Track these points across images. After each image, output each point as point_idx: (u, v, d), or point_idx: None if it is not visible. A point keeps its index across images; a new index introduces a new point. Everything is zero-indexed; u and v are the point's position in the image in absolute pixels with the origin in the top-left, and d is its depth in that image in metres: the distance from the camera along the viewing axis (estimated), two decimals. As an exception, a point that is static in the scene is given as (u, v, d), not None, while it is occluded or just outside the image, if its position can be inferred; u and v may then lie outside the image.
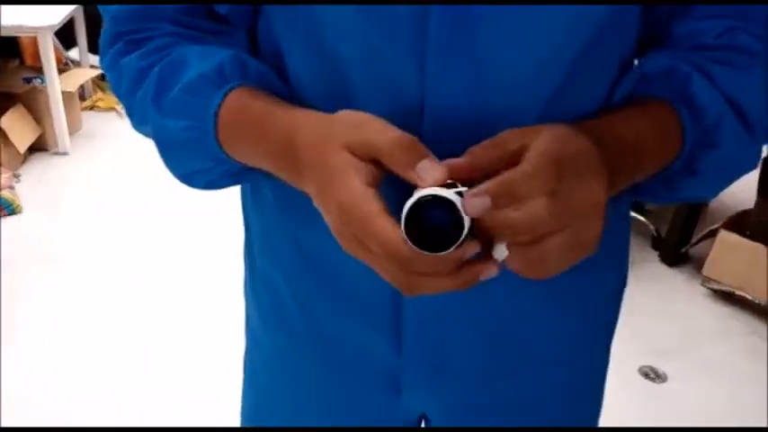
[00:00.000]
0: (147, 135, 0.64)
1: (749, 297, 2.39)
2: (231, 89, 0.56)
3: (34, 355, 2.10)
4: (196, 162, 0.60)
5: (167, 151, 0.61)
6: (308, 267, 0.68)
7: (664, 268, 2.68)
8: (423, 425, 0.84)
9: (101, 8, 0.63)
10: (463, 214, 0.44)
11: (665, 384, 2.11)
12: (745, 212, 2.53)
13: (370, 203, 0.45)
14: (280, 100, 0.57)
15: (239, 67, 0.57)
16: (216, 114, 0.56)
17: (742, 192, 2.93)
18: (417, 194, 0.45)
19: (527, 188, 0.44)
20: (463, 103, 0.54)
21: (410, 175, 0.45)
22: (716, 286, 2.48)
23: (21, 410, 1.89)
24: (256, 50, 0.64)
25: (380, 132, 0.47)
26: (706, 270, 2.48)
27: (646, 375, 2.12)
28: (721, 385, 2.11)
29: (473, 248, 0.45)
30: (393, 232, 0.44)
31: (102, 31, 0.63)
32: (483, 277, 0.47)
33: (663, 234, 2.75)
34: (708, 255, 2.48)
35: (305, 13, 0.55)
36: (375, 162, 0.47)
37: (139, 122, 0.63)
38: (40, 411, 1.90)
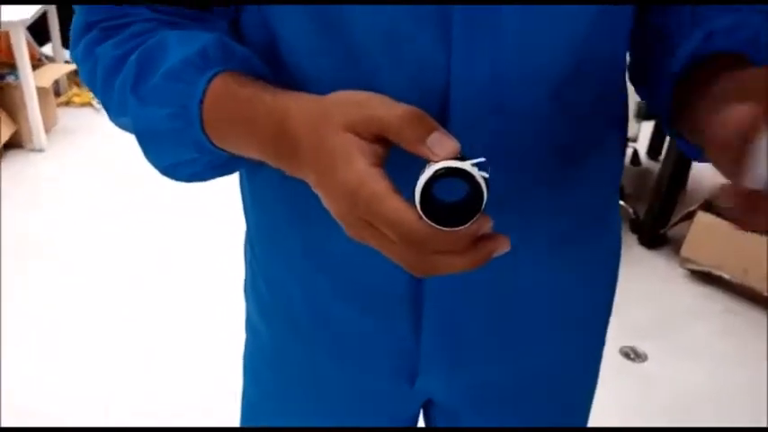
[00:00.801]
0: (124, 128, 0.61)
1: (726, 276, 2.42)
2: (216, 74, 0.53)
3: (10, 353, 2.08)
4: (179, 153, 0.57)
5: (148, 143, 0.58)
6: (315, 259, 0.66)
7: (643, 250, 2.71)
8: (422, 415, 0.84)
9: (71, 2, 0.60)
10: (483, 186, 0.42)
11: (644, 364, 2.14)
12: (722, 193, 2.56)
13: (378, 183, 0.43)
14: (267, 84, 0.54)
15: (223, 50, 0.54)
16: (201, 102, 0.53)
17: (718, 174, 2.97)
18: (431, 168, 0.43)
19: None
20: (488, 82, 0.53)
21: (421, 150, 0.43)
22: (694, 267, 2.51)
23: (8, 410, 1.88)
24: (240, 40, 0.60)
25: (386, 108, 0.45)
26: (684, 251, 2.51)
27: (626, 355, 2.15)
28: (700, 364, 2.15)
29: (488, 222, 0.43)
30: (406, 211, 0.42)
31: (73, 20, 0.60)
32: (497, 253, 0.45)
33: (641, 216, 2.78)
34: (686, 236, 2.51)
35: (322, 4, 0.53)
36: (380, 140, 0.45)
37: (117, 114, 0.60)
38: (21, 411, 1.88)
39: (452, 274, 0.46)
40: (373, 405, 0.75)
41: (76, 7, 0.60)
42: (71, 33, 0.61)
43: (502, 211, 0.59)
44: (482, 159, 0.43)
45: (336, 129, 0.45)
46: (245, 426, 0.88)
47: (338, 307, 0.67)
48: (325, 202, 0.48)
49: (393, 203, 0.43)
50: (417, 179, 0.43)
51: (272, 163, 0.53)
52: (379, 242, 0.45)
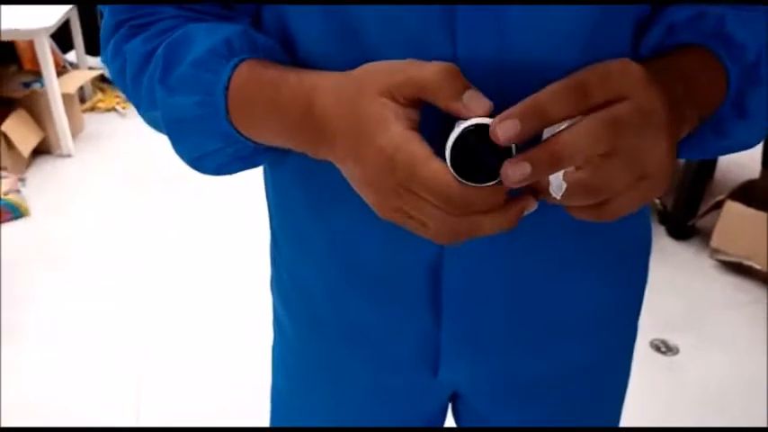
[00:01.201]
0: (154, 122, 0.63)
1: (757, 267, 2.39)
2: (240, 61, 0.54)
3: (39, 357, 2.11)
4: (206, 142, 0.59)
5: (177, 132, 0.59)
6: (336, 252, 0.66)
7: (672, 242, 2.68)
8: (451, 410, 0.84)
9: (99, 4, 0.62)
10: (513, 147, 0.43)
11: (676, 357, 2.12)
12: (751, 182, 2.53)
13: (416, 146, 0.44)
14: (291, 67, 0.55)
15: (247, 40, 0.56)
16: (226, 88, 0.54)
17: (746, 162, 2.93)
18: (461, 126, 0.43)
19: (555, 110, 0.43)
20: (494, 77, 0.53)
21: (456, 106, 0.44)
22: (724, 257, 2.48)
23: (21, 411, 1.91)
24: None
25: (421, 67, 0.45)
26: (713, 242, 2.48)
27: (657, 349, 2.13)
28: (731, 355, 2.12)
29: (524, 168, 0.42)
30: (446, 174, 0.43)
31: (101, 23, 0.62)
32: (527, 211, 0.46)
33: (669, 208, 2.75)
34: (715, 226, 2.48)
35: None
36: (413, 104, 0.46)
37: (147, 109, 0.61)
38: (42, 412, 1.91)
39: (486, 234, 0.46)
40: (398, 397, 0.75)
41: (105, 9, 0.61)
42: (101, 35, 0.63)
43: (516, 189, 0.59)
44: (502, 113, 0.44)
45: (371, 95, 0.46)
46: (274, 418, 0.89)
47: (358, 299, 0.68)
48: (357, 177, 0.48)
49: (433, 166, 0.43)
50: (446, 141, 0.44)
51: (296, 145, 0.53)
52: (416, 208, 0.46)
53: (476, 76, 0.53)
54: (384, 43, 0.53)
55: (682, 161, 2.84)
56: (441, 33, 0.52)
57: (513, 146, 0.43)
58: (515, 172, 0.42)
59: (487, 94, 0.53)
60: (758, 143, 0.62)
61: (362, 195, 0.50)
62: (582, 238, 0.65)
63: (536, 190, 0.46)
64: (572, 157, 0.42)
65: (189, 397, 1.98)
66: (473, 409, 0.79)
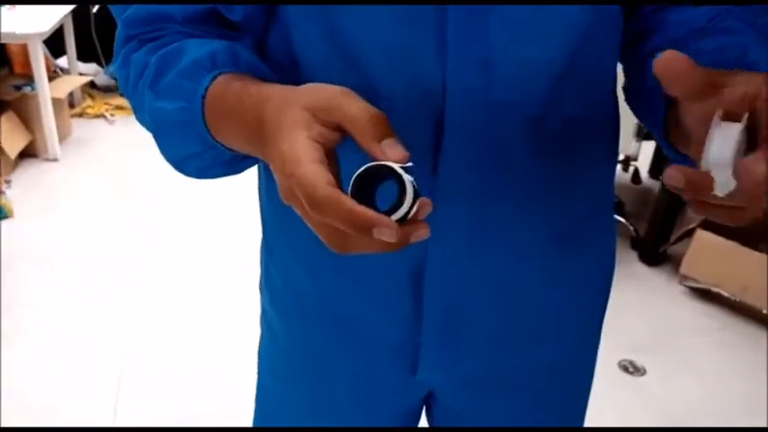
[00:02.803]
0: (146, 125, 0.67)
1: (725, 294, 2.47)
2: (220, 74, 0.58)
3: (23, 356, 2.14)
4: (188, 146, 0.62)
5: (161, 134, 0.63)
6: (327, 253, 0.68)
7: (643, 267, 2.75)
8: (425, 411, 0.89)
9: (114, 13, 0.67)
10: (408, 190, 0.45)
11: (643, 377, 2.18)
12: (721, 212, 2.61)
13: (304, 150, 0.46)
14: (258, 80, 0.58)
15: (231, 55, 0.60)
16: (203, 97, 0.57)
17: (718, 193, 3.02)
18: (367, 165, 0.46)
19: None
20: (482, 86, 0.59)
21: (374, 148, 0.46)
22: (693, 284, 2.56)
23: (7, 409, 1.93)
24: (264, 57, 0.66)
25: (356, 103, 0.48)
26: (683, 268, 2.56)
27: (625, 369, 2.19)
28: (698, 379, 2.19)
29: (390, 223, 0.44)
30: (315, 175, 0.44)
31: (115, 34, 0.67)
32: (413, 239, 0.46)
33: (641, 234, 2.82)
34: (685, 254, 2.55)
35: (325, 14, 0.59)
36: (334, 128, 0.48)
37: (140, 112, 0.66)
38: (26, 410, 1.93)
39: (369, 252, 0.47)
40: (377, 394, 0.80)
41: (118, 22, 0.66)
42: (114, 46, 0.68)
43: (498, 206, 0.65)
44: (411, 164, 0.46)
45: (297, 106, 0.49)
46: (258, 414, 0.92)
47: (344, 296, 0.73)
48: (275, 177, 0.51)
49: (309, 167, 0.45)
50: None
51: (252, 150, 0.57)
52: (301, 211, 0.47)
53: (461, 104, 0.60)
54: (380, 67, 0.59)
55: (656, 189, 2.92)
56: (433, 60, 0.58)
57: (410, 190, 0.45)
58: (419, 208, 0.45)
59: (471, 121, 0.60)
60: None
61: None
62: (557, 251, 0.71)
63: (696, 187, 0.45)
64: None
65: (169, 397, 2.01)
66: (447, 408, 0.84)
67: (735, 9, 0.63)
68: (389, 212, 0.45)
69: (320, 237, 0.48)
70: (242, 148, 0.59)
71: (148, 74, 0.62)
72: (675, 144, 0.60)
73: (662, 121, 0.60)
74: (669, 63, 0.43)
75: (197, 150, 0.62)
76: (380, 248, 0.46)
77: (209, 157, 0.63)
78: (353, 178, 0.46)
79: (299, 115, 0.48)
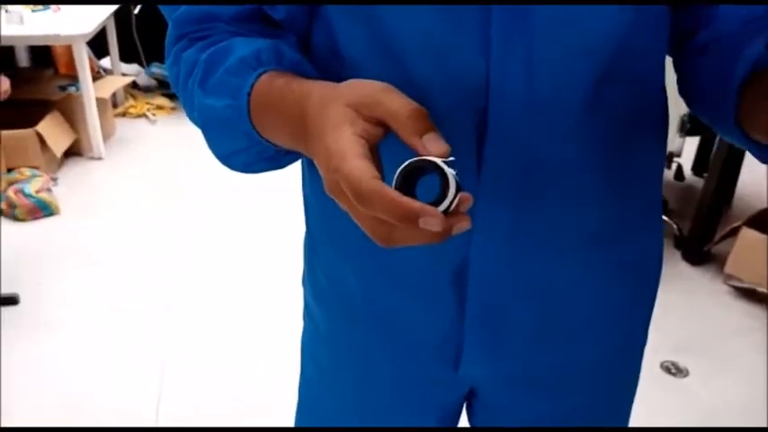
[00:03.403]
0: (196, 122, 0.69)
1: (770, 294, 2.41)
2: (264, 71, 0.60)
3: (69, 352, 2.19)
4: (234, 141, 0.64)
5: (209, 130, 0.65)
6: (371, 249, 0.68)
7: (687, 267, 2.70)
8: (465, 409, 0.89)
9: (164, 13, 0.69)
10: (451, 183, 0.46)
11: (686, 379, 2.14)
12: (767, 210, 2.55)
13: (350, 146, 0.47)
14: (301, 77, 0.59)
15: (275, 53, 0.62)
16: (248, 94, 0.59)
17: (763, 191, 2.95)
18: (411, 160, 0.47)
19: None
20: (525, 84, 0.59)
21: (416, 142, 0.47)
22: (738, 284, 2.50)
23: (51, 401, 1.97)
24: (308, 55, 0.68)
25: (398, 98, 0.49)
26: (728, 268, 2.50)
27: (667, 370, 2.15)
28: (741, 380, 2.14)
29: (435, 210, 0.45)
30: (360, 170, 0.45)
31: (166, 34, 0.69)
32: (456, 231, 0.47)
33: (685, 233, 2.77)
34: (730, 253, 2.50)
35: (368, 12, 0.60)
36: (378, 125, 0.49)
37: (190, 109, 0.68)
38: (69, 402, 1.98)
39: (414, 244, 0.47)
40: (420, 389, 0.80)
41: (170, 22, 0.69)
42: (165, 45, 0.70)
43: (540, 206, 0.64)
44: (452, 158, 0.47)
45: (340, 104, 0.50)
46: (302, 405, 0.93)
47: (387, 292, 0.73)
48: (320, 173, 0.51)
49: (355, 162, 0.46)
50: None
51: (295, 145, 0.58)
52: (347, 205, 0.48)
53: (505, 103, 0.59)
54: (424, 65, 0.60)
55: (700, 186, 2.87)
56: (476, 56, 0.58)
57: (452, 184, 0.46)
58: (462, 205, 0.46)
59: (514, 118, 0.60)
60: None
61: None
62: (600, 250, 0.70)
63: None
64: None
65: (210, 393, 2.03)
66: (488, 404, 0.83)
67: None
68: (433, 205, 0.46)
69: (365, 230, 0.48)
70: (285, 143, 0.60)
71: (198, 72, 0.64)
72: (749, 130, 0.59)
73: (735, 108, 0.60)
74: None
75: (243, 146, 0.64)
76: (425, 240, 0.46)
77: (254, 152, 0.64)
78: (398, 172, 0.47)
79: (342, 112, 0.49)
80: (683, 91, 0.71)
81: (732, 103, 0.60)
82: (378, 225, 0.47)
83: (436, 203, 0.46)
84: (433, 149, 0.47)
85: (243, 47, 0.62)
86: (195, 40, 0.67)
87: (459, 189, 0.47)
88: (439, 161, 0.46)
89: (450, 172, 0.46)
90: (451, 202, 0.46)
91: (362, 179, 0.45)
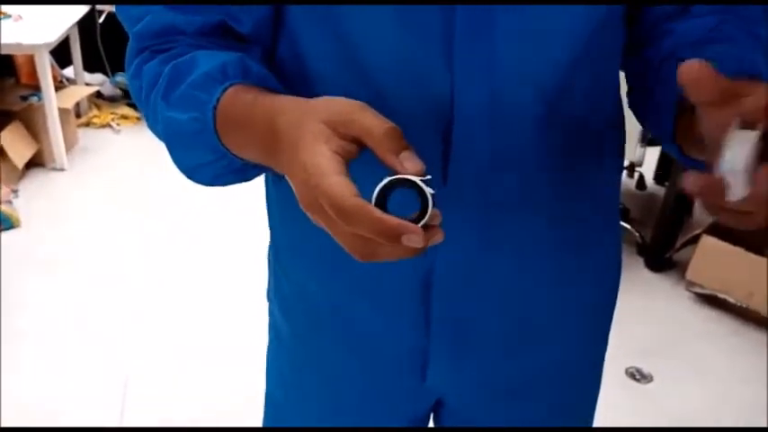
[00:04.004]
0: (159, 135, 0.69)
1: (731, 300, 2.46)
2: (231, 85, 0.60)
3: (35, 363, 2.15)
4: (199, 155, 0.64)
5: (173, 143, 0.65)
6: (337, 259, 0.70)
7: (649, 273, 2.75)
8: (432, 419, 0.89)
9: (125, 26, 0.68)
10: (429, 201, 0.48)
11: (650, 384, 2.17)
12: (726, 218, 2.61)
13: (328, 163, 0.48)
14: (270, 92, 0.60)
15: (241, 67, 0.62)
16: (215, 108, 0.59)
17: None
18: (387, 179, 0.48)
19: None
20: (489, 96, 0.60)
21: (393, 160, 0.48)
22: (699, 290, 2.55)
23: (16, 412, 1.93)
24: (273, 69, 0.67)
25: (373, 117, 0.50)
26: (689, 274, 2.55)
27: (632, 376, 2.19)
28: (705, 385, 2.18)
29: (415, 227, 0.47)
30: (341, 186, 0.46)
31: (127, 47, 0.69)
32: (431, 243, 0.48)
33: (647, 240, 2.82)
34: (691, 260, 2.55)
35: (332, 21, 0.60)
36: (353, 142, 0.50)
37: (153, 122, 0.67)
38: (34, 411, 1.94)
39: (390, 259, 0.49)
40: (386, 400, 0.80)
41: (130, 35, 0.68)
42: (126, 58, 0.69)
43: (506, 213, 0.65)
44: (429, 177, 0.49)
45: (315, 120, 0.50)
46: (267, 421, 0.93)
47: (353, 304, 0.73)
48: (293, 187, 0.52)
49: (334, 179, 0.47)
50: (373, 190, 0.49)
51: (264, 159, 0.59)
52: (326, 221, 0.49)
53: (470, 112, 0.60)
54: (388, 76, 0.60)
55: (661, 195, 2.92)
56: (440, 66, 0.59)
57: (430, 202, 0.48)
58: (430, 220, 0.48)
59: (479, 124, 0.60)
60: None
61: None
62: (562, 257, 0.72)
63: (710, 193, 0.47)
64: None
65: (174, 400, 2.02)
66: (456, 413, 0.84)
67: (734, 19, 0.64)
68: (412, 221, 0.47)
69: (344, 246, 0.49)
70: (254, 157, 0.60)
71: (161, 84, 0.63)
72: (684, 147, 0.61)
73: (672, 124, 0.61)
74: (694, 71, 0.44)
75: (209, 159, 0.64)
76: (404, 255, 0.48)
77: (220, 165, 0.64)
78: (377, 189, 0.48)
79: (318, 129, 0.50)
80: (630, 103, 0.72)
81: (669, 120, 0.61)
82: (358, 241, 0.48)
83: (416, 220, 0.47)
84: (410, 167, 0.48)
85: (207, 60, 0.62)
86: (157, 52, 0.66)
87: (434, 205, 0.48)
88: (418, 180, 0.48)
89: (428, 191, 0.48)
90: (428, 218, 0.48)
91: (344, 197, 0.46)
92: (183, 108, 0.61)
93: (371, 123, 0.49)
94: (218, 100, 0.59)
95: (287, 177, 0.54)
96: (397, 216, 0.47)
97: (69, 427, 1.90)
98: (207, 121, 0.60)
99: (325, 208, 0.47)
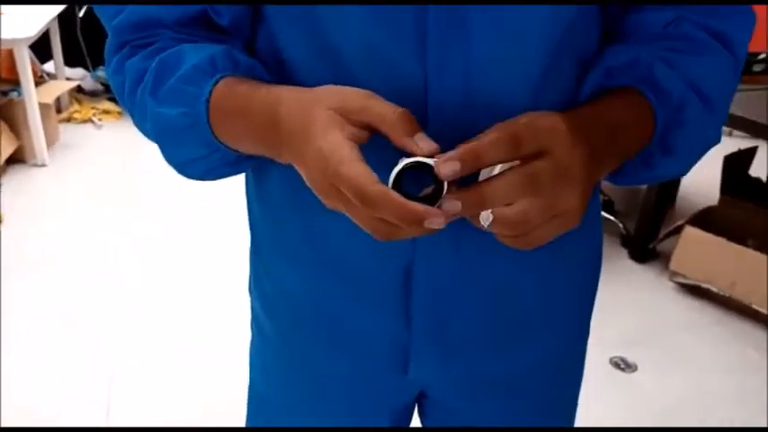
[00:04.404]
0: (146, 133, 0.68)
1: (714, 290, 2.48)
2: (221, 78, 0.60)
3: (18, 360, 2.13)
4: (191, 149, 0.64)
5: (164, 139, 0.65)
6: (315, 251, 0.71)
7: (633, 264, 2.77)
8: (417, 411, 0.89)
9: (103, 20, 0.67)
10: (445, 183, 0.50)
11: (634, 374, 2.19)
12: (710, 209, 2.63)
13: (347, 151, 0.50)
14: (264, 82, 0.60)
15: (230, 59, 0.62)
16: (207, 101, 0.59)
17: (706, 190, 3.05)
18: (405, 160, 0.50)
19: (490, 156, 0.51)
20: (463, 90, 0.60)
21: (408, 143, 0.50)
22: (682, 280, 2.57)
23: (10, 413, 1.92)
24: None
25: (383, 103, 0.52)
26: (673, 265, 2.57)
27: (616, 365, 2.20)
28: (689, 374, 2.20)
29: (455, 206, 0.50)
30: (364, 175, 0.48)
31: (106, 42, 0.67)
32: (435, 225, 0.50)
33: (631, 232, 2.84)
34: (674, 250, 2.57)
35: (308, 17, 0.60)
36: (363, 127, 0.52)
37: (140, 119, 0.66)
38: (27, 414, 1.92)
39: (407, 237, 0.52)
40: (369, 394, 0.80)
41: (109, 30, 0.67)
42: (105, 53, 0.68)
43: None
44: (437, 158, 0.51)
45: (323, 107, 0.52)
46: (251, 417, 0.92)
47: (334, 297, 0.73)
48: (304, 176, 0.54)
49: (355, 167, 0.49)
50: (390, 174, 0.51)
51: (263, 150, 0.59)
52: (345, 206, 0.51)
53: (444, 103, 0.60)
54: (364, 70, 0.60)
55: (644, 187, 2.94)
56: (414, 65, 0.59)
57: (445, 185, 0.50)
58: (449, 208, 0.50)
59: (453, 121, 0.60)
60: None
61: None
62: (542, 254, 0.71)
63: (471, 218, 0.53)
64: (494, 202, 0.51)
65: (161, 399, 2.00)
66: (440, 406, 0.84)
67: (690, 14, 0.64)
68: (428, 202, 0.50)
69: (366, 228, 0.52)
70: (251, 148, 0.61)
71: (148, 80, 0.62)
72: None
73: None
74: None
75: (202, 153, 0.64)
76: (422, 234, 0.51)
77: (214, 159, 0.64)
78: (394, 174, 0.50)
79: (328, 116, 0.52)
80: None
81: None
82: (380, 224, 0.51)
83: (429, 199, 0.50)
84: (426, 148, 0.50)
85: (195, 53, 0.61)
86: (138, 47, 0.65)
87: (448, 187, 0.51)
88: (431, 162, 0.50)
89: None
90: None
91: (367, 183, 0.48)
92: (172, 103, 0.61)
93: (384, 109, 0.51)
94: (209, 93, 0.59)
95: (295, 165, 0.55)
96: (410, 194, 0.49)
97: (51, 427, 1.88)
98: (199, 115, 0.60)
99: (344, 193, 0.50)
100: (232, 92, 0.59)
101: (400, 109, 0.51)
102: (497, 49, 0.59)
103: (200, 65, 0.60)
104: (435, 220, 0.49)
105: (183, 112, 0.60)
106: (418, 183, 0.51)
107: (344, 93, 0.53)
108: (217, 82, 0.59)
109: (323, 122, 0.51)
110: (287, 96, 0.56)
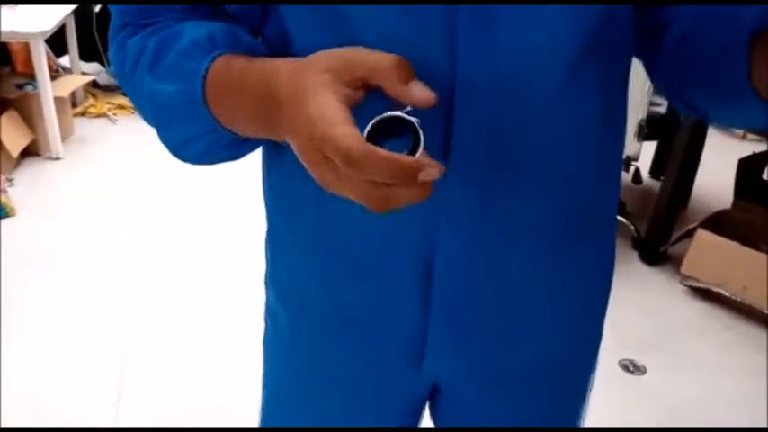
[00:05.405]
0: (146, 118, 0.67)
1: (726, 294, 2.47)
2: (220, 54, 0.58)
3: (29, 355, 2.14)
4: (188, 128, 0.62)
5: (161, 117, 0.63)
6: (330, 241, 0.71)
7: (644, 267, 2.76)
8: (428, 406, 0.89)
9: (108, 3, 0.67)
10: (421, 136, 0.47)
11: (643, 377, 2.19)
12: (722, 212, 2.62)
13: (335, 112, 0.46)
14: (261, 57, 0.58)
15: (230, 36, 0.60)
16: (204, 77, 0.57)
17: (719, 193, 3.03)
18: (379, 116, 0.48)
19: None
20: (491, 84, 0.59)
21: (403, 91, 0.48)
22: (694, 284, 2.56)
23: (8, 408, 1.93)
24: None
25: (376, 53, 0.49)
26: (684, 268, 2.56)
27: (625, 368, 2.20)
28: (698, 378, 2.19)
29: (433, 163, 0.47)
30: (351, 136, 0.45)
31: (110, 24, 0.67)
32: (431, 176, 0.47)
33: (642, 234, 2.83)
34: (686, 254, 2.56)
35: (329, 12, 0.59)
36: (357, 87, 0.49)
37: (137, 97, 0.64)
38: (37, 411, 1.94)
39: (404, 205, 0.48)
40: (383, 386, 0.80)
41: (113, 10, 0.67)
42: (109, 34, 0.68)
43: (507, 196, 0.65)
44: (410, 108, 0.48)
45: (316, 70, 0.49)
46: (265, 411, 0.92)
47: (350, 288, 0.73)
48: (296, 150, 0.51)
49: (342, 128, 0.46)
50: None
51: (259, 127, 0.57)
52: (334, 174, 0.48)
53: (471, 95, 0.60)
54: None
55: (656, 189, 2.93)
56: (441, 54, 0.58)
57: (422, 137, 0.47)
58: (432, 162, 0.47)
59: (480, 110, 0.60)
60: None
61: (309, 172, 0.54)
62: (561, 248, 0.71)
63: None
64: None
65: (170, 396, 2.01)
66: (452, 400, 0.84)
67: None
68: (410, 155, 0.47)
69: (357, 197, 0.48)
70: (247, 126, 0.59)
71: (146, 57, 0.62)
72: (763, 89, 0.57)
73: (747, 66, 0.57)
74: None
75: (198, 133, 0.62)
76: (417, 198, 0.47)
77: (210, 139, 0.63)
78: (368, 128, 0.47)
79: (320, 78, 0.49)
80: (670, 84, 0.71)
81: (742, 62, 0.58)
82: (372, 189, 0.47)
83: (410, 153, 0.47)
84: (422, 95, 0.48)
85: (194, 29, 0.60)
86: (140, 27, 0.65)
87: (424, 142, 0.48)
88: (404, 114, 0.47)
89: (416, 121, 0.47)
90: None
91: (353, 144, 0.45)
92: (170, 79, 0.60)
93: (377, 58, 0.49)
94: (207, 69, 0.58)
95: (288, 140, 0.53)
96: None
97: (71, 427, 1.88)
98: (196, 92, 0.58)
99: (332, 160, 0.46)
100: (228, 67, 0.57)
101: (394, 56, 0.48)
102: (526, 35, 0.59)
103: (199, 40, 0.59)
104: (431, 171, 0.45)
105: (180, 89, 0.59)
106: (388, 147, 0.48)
107: (336, 52, 0.51)
108: (215, 58, 0.58)
109: (313, 86, 0.49)
110: (284, 68, 0.54)
